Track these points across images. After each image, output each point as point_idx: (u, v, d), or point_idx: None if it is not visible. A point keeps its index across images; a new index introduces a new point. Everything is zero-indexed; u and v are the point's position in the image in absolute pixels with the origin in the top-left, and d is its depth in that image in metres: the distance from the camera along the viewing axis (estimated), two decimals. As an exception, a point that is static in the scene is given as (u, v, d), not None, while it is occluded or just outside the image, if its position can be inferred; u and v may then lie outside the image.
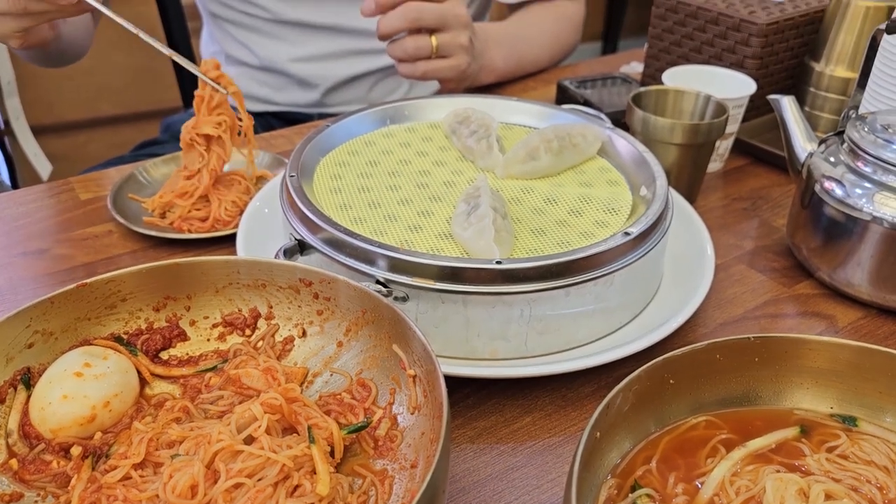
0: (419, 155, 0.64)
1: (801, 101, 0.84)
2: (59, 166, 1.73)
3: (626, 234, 0.51)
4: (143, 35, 0.63)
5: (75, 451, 0.40)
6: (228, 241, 0.64)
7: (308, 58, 1.01)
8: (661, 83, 0.78)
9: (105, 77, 1.92)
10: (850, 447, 0.42)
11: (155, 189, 0.71)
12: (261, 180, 0.72)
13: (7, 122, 1.66)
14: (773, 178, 0.79)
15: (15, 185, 1.91)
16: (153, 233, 0.64)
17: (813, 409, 0.44)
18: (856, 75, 0.79)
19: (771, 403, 0.44)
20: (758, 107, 0.85)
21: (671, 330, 0.52)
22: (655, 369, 0.40)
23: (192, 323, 0.48)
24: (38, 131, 1.73)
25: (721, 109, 0.71)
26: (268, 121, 1.06)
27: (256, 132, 1.04)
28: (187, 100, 1.26)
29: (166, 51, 0.64)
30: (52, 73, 1.82)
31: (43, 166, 1.65)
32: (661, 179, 0.58)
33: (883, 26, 0.64)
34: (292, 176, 0.57)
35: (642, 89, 0.73)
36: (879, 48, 0.66)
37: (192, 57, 1.24)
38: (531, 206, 0.58)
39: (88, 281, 0.45)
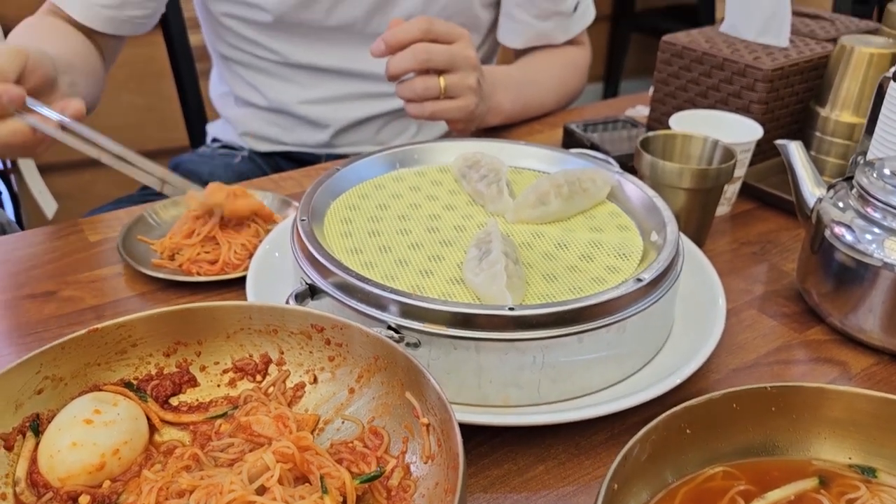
0: (429, 199, 0.64)
1: (808, 146, 0.84)
2: (65, 204, 1.73)
3: (639, 280, 0.51)
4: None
5: (84, 500, 0.40)
6: (238, 284, 0.64)
7: (317, 100, 1.02)
8: (668, 127, 0.79)
9: (112, 117, 1.94)
10: (870, 499, 0.41)
11: (164, 231, 0.71)
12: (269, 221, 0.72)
13: (14, 161, 1.67)
14: (781, 223, 0.79)
15: (20, 223, 1.91)
16: (162, 275, 0.64)
17: (831, 459, 0.43)
18: (861, 120, 0.80)
19: (788, 453, 0.44)
20: (764, 151, 0.86)
21: (684, 377, 0.51)
22: (672, 419, 0.40)
23: (203, 368, 0.48)
24: (45, 169, 1.74)
25: (729, 154, 0.71)
26: (276, 161, 1.07)
27: (265, 173, 1.05)
28: (194, 139, 1.27)
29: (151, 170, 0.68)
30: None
31: (48, 204, 1.65)
32: (672, 225, 0.58)
33: (890, 73, 0.64)
34: (303, 220, 0.57)
35: (650, 134, 0.73)
36: (886, 95, 0.67)
37: (199, 98, 1.25)
38: (542, 251, 0.58)
39: (100, 326, 0.45)
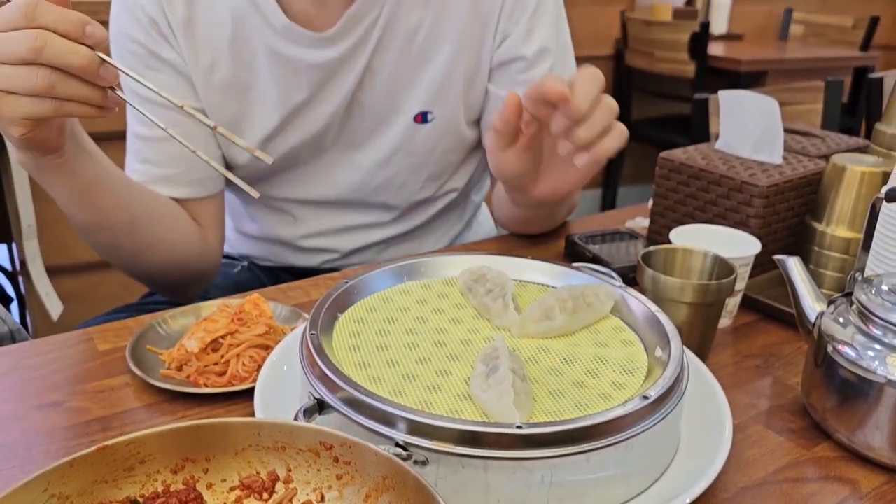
0: (436, 312, 0.65)
1: (805, 259, 0.86)
2: (71, 306, 1.75)
3: (645, 397, 0.52)
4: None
5: None
6: (245, 396, 0.64)
7: (317, 234, 1.02)
8: (668, 240, 0.81)
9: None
10: None
11: (173, 341, 0.71)
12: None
13: (24, 263, 1.69)
14: (783, 335, 0.80)
15: (24, 324, 1.92)
16: (169, 386, 0.64)
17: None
18: (857, 235, 0.82)
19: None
20: (762, 263, 0.87)
21: (693, 497, 0.51)
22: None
23: (210, 486, 0.48)
24: (53, 271, 1.76)
25: (729, 269, 0.73)
26: (276, 273, 1.08)
27: (263, 284, 1.06)
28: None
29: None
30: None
31: (54, 306, 1.67)
32: (676, 341, 0.59)
33: (882, 194, 0.67)
34: (312, 334, 0.58)
35: (651, 248, 0.75)
36: (880, 214, 0.69)
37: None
38: (548, 367, 0.58)
39: (109, 443, 0.45)
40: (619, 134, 0.72)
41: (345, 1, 0.87)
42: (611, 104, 0.71)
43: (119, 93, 0.64)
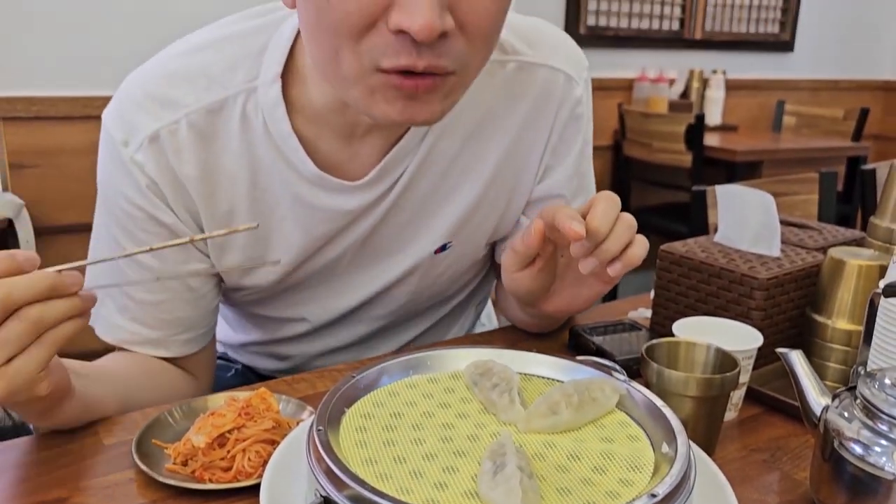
0: (442, 407, 0.66)
1: (808, 351, 0.87)
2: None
3: (653, 495, 0.51)
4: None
5: None
6: (250, 492, 0.64)
7: (323, 352, 1.01)
8: (671, 332, 0.82)
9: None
10: None
11: (179, 433, 0.71)
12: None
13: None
14: (789, 428, 0.80)
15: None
16: (174, 482, 0.64)
17: None
18: (857, 328, 0.83)
19: None
20: (766, 355, 0.88)
21: None
22: None
23: (215, 588, 0.47)
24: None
25: (732, 362, 0.73)
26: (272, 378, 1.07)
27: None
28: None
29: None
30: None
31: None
32: (682, 437, 0.59)
33: (879, 289, 0.68)
34: (319, 429, 0.58)
35: (654, 342, 0.76)
36: (879, 309, 0.70)
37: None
38: (555, 463, 0.58)
39: (116, 544, 0.45)
40: (642, 243, 0.73)
41: (380, 147, 0.81)
42: (630, 221, 0.73)
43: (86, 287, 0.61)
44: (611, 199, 0.72)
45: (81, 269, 0.62)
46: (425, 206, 0.87)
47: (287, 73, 0.77)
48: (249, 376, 1.07)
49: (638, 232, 0.75)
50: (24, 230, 1.83)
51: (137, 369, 0.85)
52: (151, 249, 0.64)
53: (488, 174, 0.88)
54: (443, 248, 0.91)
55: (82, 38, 2.04)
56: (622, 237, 0.71)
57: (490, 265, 1.04)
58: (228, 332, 1.08)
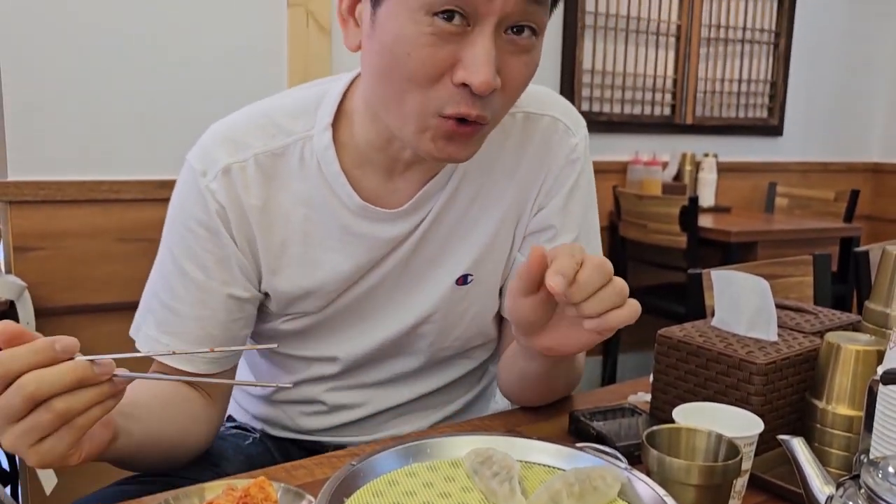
0: (442, 497, 0.65)
1: (809, 437, 0.86)
2: (66, 480, 1.70)
3: (658, 591, 0.51)
4: None
5: None
6: (245, 587, 0.63)
7: (342, 387, 1.04)
8: (671, 417, 0.81)
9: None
10: None
11: (174, 525, 0.70)
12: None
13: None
14: (794, 518, 0.79)
15: (14, 496, 1.86)
16: (168, 575, 0.63)
17: None
18: (858, 413, 0.83)
19: None
20: (767, 441, 0.87)
21: None
22: None
23: None
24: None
25: (734, 449, 0.73)
26: (286, 447, 1.08)
27: (274, 457, 1.05)
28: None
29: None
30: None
31: (48, 480, 1.63)
32: (686, 528, 0.58)
33: (878, 376, 0.68)
34: (319, 520, 0.57)
35: (655, 428, 0.76)
36: (878, 395, 0.70)
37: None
38: (557, 556, 0.57)
39: None
40: (631, 307, 0.75)
41: (415, 183, 0.93)
42: (620, 287, 0.75)
43: (120, 372, 0.66)
44: (599, 266, 0.75)
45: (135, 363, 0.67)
46: (449, 239, 0.98)
47: (338, 119, 0.91)
48: (267, 443, 1.08)
49: None
50: (25, 311, 1.84)
51: (157, 403, 0.88)
52: (174, 353, 0.68)
53: (501, 212, 0.99)
54: (464, 280, 1.00)
55: (90, 125, 2.10)
56: (605, 301, 0.74)
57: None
58: (249, 399, 1.11)
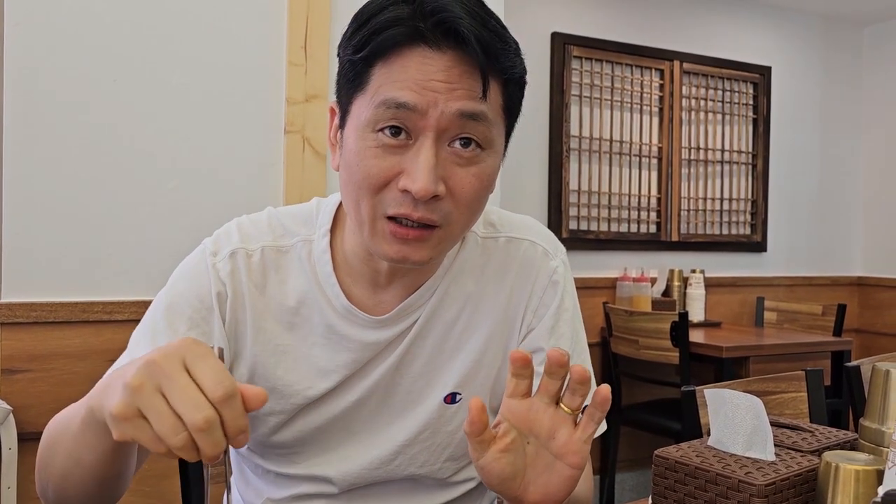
0: None
1: (815, 562, 0.84)
2: None
3: None
4: None
5: None
6: None
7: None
8: (673, 544, 0.79)
9: None
10: None
11: None
12: None
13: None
14: None
15: None
16: None
17: None
18: (862, 536, 0.81)
19: None
20: (772, 567, 0.85)
21: None
22: None
23: None
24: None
25: (738, 577, 0.71)
26: None
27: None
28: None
29: None
30: None
31: None
32: None
33: (878, 498, 0.68)
34: None
35: (657, 555, 0.74)
36: (879, 518, 0.69)
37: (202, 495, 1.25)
38: None
39: None
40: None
41: (401, 292, 0.98)
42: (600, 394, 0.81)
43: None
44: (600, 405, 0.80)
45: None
46: (435, 356, 1.00)
47: (335, 228, 0.99)
48: None
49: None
50: (8, 436, 1.79)
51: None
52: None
53: (487, 332, 1.01)
54: (453, 399, 1.01)
55: (85, 247, 2.12)
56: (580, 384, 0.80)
57: None
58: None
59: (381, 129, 0.82)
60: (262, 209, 1.04)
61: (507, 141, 0.94)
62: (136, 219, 2.18)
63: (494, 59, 0.83)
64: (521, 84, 0.90)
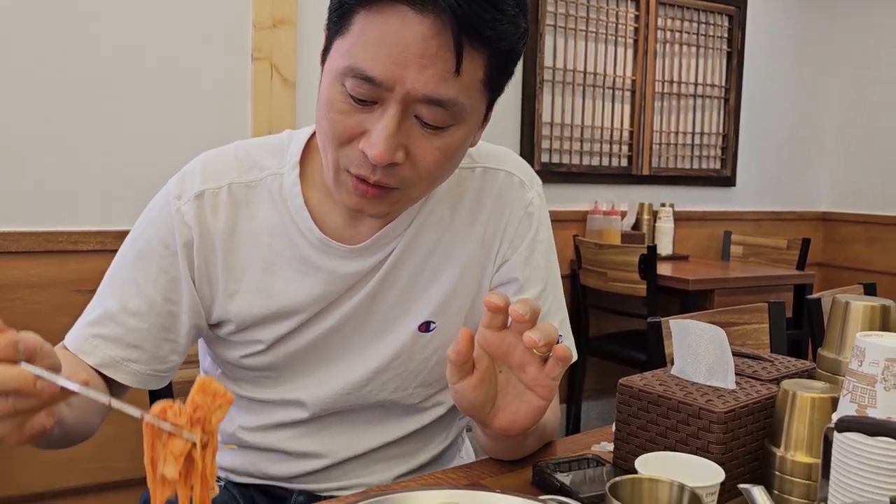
0: (407, 553, 0.64)
1: (769, 484, 0.87)
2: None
3: None
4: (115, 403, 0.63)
5: None
6: None
7: (304, 435, 1.04)
8: (633, 468, 0.82)
9: (77, 447, 1.90)
10: None
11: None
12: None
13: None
14: (756, 567, 0.79)
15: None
16: None
17: None
18: (816, 460, 0.84)
19: None
20: (729, 489, 0.88)
21: None
22: None
23: None
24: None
25: (696, 499, 0.73)
26: (251, 494, 1.06)
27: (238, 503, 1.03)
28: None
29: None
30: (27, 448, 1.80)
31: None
32: (650, 580, 0.58)
33: (832, 423, 0.70)
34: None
35: (618, 479, 0.76)
36: (833, 443, 0.72)
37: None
38: None
39: None
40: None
41: (376, 224, 0.97)
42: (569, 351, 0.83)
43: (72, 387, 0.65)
44: (562, 361, 0.82)
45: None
46: (411, 286, 1.01)
47: (307, 159, 0.98)
48: (232, 491, 1.07)
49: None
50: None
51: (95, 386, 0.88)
52: (110, 404, 0.64)
53: (462, 262, 1.02)
54: (427, 327, 1.02)
55: (49, 175, 2.07)
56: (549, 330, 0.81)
57: None
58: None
59: (350, 89, 0.81)
60: (228, 142, 1.02)
61: (489, 110, 0.91)
62: (100, 150, 2.13)
63: (476, 30, 0.78)
64: (510, 56, 0.85)
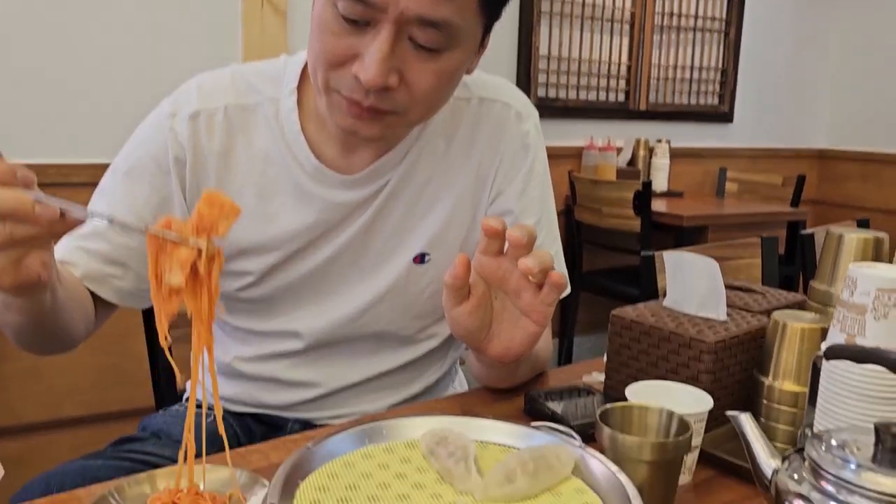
0: (398, 477, 0.65)
1: (757, 413, 0.88)
2: (12, 471, 1.66)
3: (610, 563, 0.52)
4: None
5: None
6: (199, 571, 0.62)
7: (300, 364, 1.05)
8: (624, 397, 0.83)
9: (73, 377, 1.93)
10: None
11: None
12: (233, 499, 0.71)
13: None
14: (743, 491, 0.81)
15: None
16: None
17: None
18: (803, 389, 0.85)
19: None
20: (716, 417, 0.89)
21: None
22: None
23: None
24: (-7, 433, 1.69)
25: (685, 425, 0.74)
26: (247, 422, 1.08)
27: (235, 433, 1.05)
28: (160, 400, 1.26)
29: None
30: (22, 375, 1.82)
31: (-8, 472, 1.58)
32: (637, 501, 0.59)
33: (821, 352, 0.70)
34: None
35: (608, 406, 0.77)
36: (822, 371, 0.72)
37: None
38: (512, 532, 0.58)
39: None
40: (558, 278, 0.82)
41: (373, 152, 0.97)
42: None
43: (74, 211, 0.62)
44: (556, 289, 0.82)
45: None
46: (406, 217, 1.00)
47: (305, 86, 0.95)
48: (227, 419, 1.07)
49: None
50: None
51: (74, 280, 0.90)
52: (112, 221, 0.66)
53: (457, 193, 1.02)
54: (422, 259, 1.02)
55: (39, 106, 2.03)
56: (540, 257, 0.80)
57: None
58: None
59: (343, 10, 0.79)
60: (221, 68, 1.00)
61: (485, 36, 0.89)
62: (89, 80, 2.09)
63: None
64: None
